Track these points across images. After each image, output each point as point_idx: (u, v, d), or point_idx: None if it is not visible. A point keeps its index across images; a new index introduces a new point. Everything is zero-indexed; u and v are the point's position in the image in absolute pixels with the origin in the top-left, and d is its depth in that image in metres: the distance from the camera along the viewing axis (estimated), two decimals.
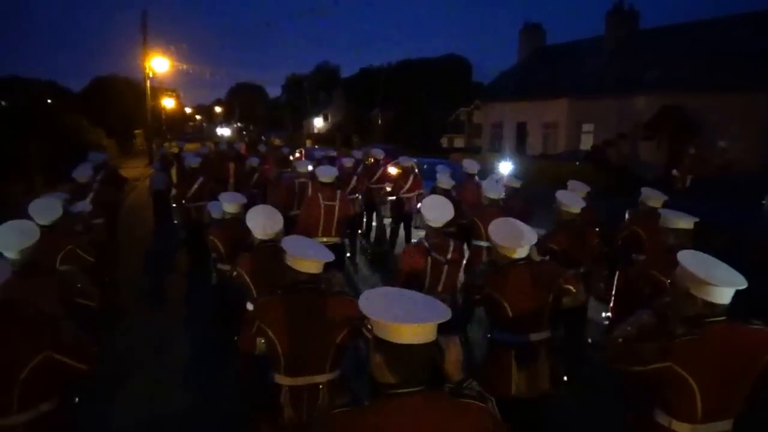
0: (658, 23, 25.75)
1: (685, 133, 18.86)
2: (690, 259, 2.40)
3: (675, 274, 2.44)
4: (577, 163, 20.50)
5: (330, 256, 2.83)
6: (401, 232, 9.59)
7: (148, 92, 27.60)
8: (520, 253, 3.28)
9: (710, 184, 11.30)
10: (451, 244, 4.15)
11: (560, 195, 5.04)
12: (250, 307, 3.74)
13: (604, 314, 5.85)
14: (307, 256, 2.74)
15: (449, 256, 4.08)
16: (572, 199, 5.05)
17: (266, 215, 3.92)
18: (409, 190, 9.30)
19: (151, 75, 27.29)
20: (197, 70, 30.57)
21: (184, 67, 28.86)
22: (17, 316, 2.33)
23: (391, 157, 12.27)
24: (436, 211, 4.09)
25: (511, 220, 3.52)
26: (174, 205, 9.27)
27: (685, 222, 3.93)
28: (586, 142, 23.43)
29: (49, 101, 29.09)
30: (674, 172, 15.45)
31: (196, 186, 8.31)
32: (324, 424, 1.75)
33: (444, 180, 7.25)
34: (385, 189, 9.84)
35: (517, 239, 3.29)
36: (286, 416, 2.72)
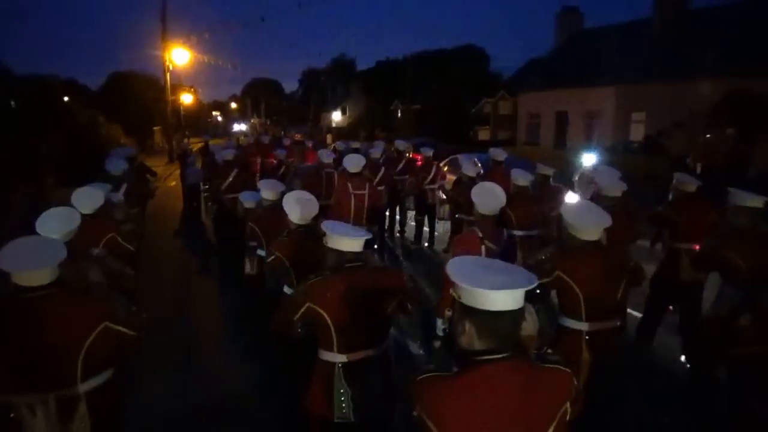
0: (703, 4, 23.47)
1: (757, 120, 16.72)
2: None
3: None
4: (629, 153, 18.47)
5: (367, 234, 2.90)
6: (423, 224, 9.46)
7: (168, 84, 25.96)
8: (593, 235, 3.19)
9: None
10: (505, 233, 4.11)
11: (599, 178, 4.97)
12: (287, 290, 3.75)
13: None
14: (349, 235, 2.78)
15: (503, 245, 3.99)
16: (612, 182, 4.92)
17: (303, 201, 3.93)
18: (431, 182, 9.12)
19: (171, 67, 25.61)
20: (217, 62, 28.88)
21: (205, 59, 27.18)
22: (77, 291, 2.49)
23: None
24: (489, 199, 4.04)
25: (587, 201, 3.49)
26: (205, 196, 9.60)
27: (754, 201, 3.81)
28: (637, 132, 21.33)
29: (66, 99, 27.58)
30: (688, 160, 15.13)
31: (231, 177, 8.29)
32: (411, 389, 1.72)
33: (470, 168, 7.18)
34: (410, 181, 9.70)
35: (591, 220, 3.20)
36: (341, 393, 2.70)
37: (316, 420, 2.80)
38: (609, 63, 23.04)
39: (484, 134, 36.05)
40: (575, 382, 1.76)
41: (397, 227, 10.09)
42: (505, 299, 1.61)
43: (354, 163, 6.59)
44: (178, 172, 16.50)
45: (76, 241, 3.40)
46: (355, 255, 2.78)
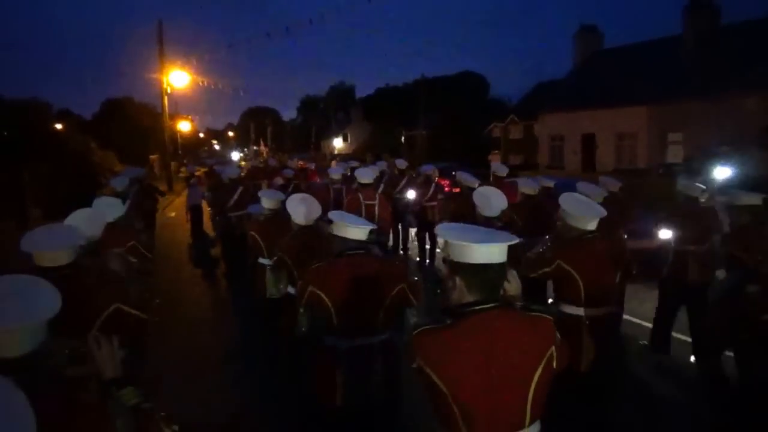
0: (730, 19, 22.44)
1: None
2: None
3: None
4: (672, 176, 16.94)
5: (371, 225, 3.00)
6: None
7: (166, 108, 24.45)
8: (591, 225, 3.27)
9: None
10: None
11: (580, 185, 5.10)
12: (291, 290, 3.81)
13: None
14: (355, 223, 2.91)
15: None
16: (591, 189, 5.04)
17: (306, 203, 4.04)
18: (431, 199, 9.23)
19: (169, 90, 24.14)
20: (217, 86, 27.50)
21: (203, 82, 25.75)
22: (91, 274, 2.70)
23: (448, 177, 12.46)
24: (491, 200, 4.26)
25: (582, 195, 3.60)
26: (211, 214, 9.88)
27: (752, 198, 4.00)
28: (675, 154, 19.85)
29: (58, 126, 25.99)
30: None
31: (236, 195, 8.42)
32: (411, 342, 1.84)
33: (468, 180, 7.31)
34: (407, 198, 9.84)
35: (589, 210, 3.32)
36: (343, 377, 2.74)
37: (320, 404, 2.82)
38: (638, 82, 21.87)
39: (494, 159, 34.93)
40: (556, 332, 1.86)
41: (400, 245, 10.13)
42: (489, 252, 1.79)
43: (365, 174, 7.05)
44: (177, 200, 15.24)
45: (99, 244, 3.54)
46: (358, 243, 2.87)
